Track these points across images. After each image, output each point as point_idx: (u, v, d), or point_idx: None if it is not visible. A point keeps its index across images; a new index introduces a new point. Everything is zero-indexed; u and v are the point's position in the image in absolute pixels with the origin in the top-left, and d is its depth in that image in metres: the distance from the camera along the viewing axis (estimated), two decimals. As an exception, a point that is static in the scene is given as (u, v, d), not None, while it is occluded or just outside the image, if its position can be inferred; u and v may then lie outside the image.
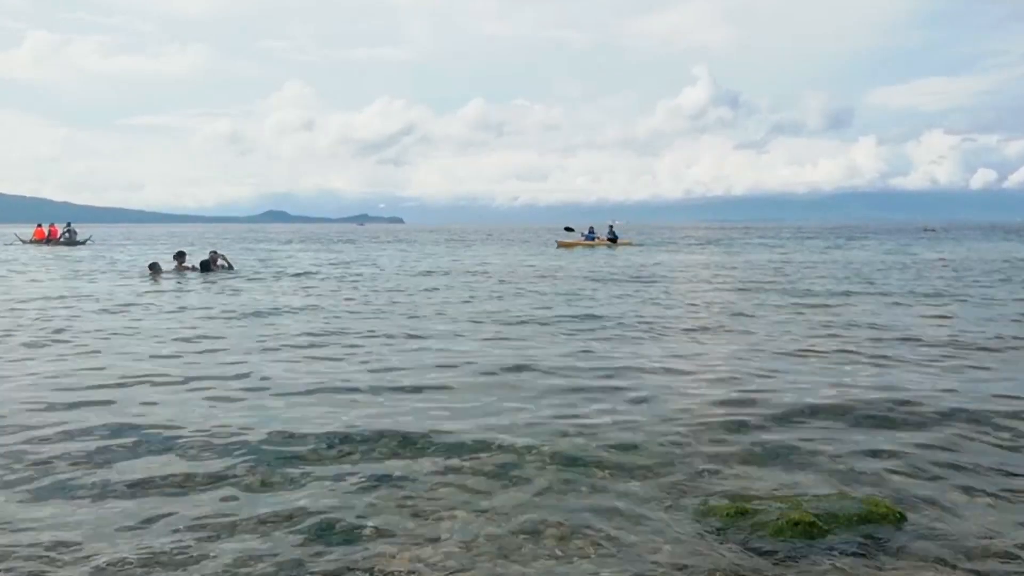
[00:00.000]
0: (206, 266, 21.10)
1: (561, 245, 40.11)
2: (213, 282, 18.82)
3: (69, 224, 46.40)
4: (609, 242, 39.88)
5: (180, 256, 21.79)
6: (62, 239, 44.52)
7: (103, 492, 4.49)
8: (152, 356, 8.83)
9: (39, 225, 46.92)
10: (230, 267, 22.32)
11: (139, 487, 4.57)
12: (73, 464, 4.95)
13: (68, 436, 5.55)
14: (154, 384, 7.30)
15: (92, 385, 7.22)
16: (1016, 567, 3.61)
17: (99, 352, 9.13)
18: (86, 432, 5.65)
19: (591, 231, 40.46)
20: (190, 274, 20.61)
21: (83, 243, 45.19)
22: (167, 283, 18.80)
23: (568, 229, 43.80)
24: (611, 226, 41.81)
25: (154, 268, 21.06)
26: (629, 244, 41.46)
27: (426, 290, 17.29)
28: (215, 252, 22.86)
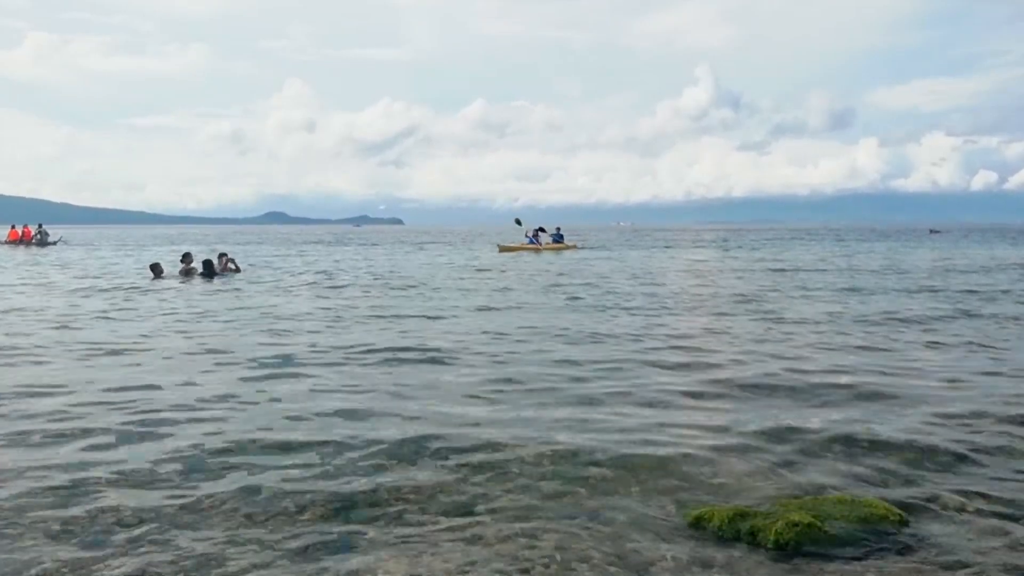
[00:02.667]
0: (209, 267, 20.60)
1: (503, 250, 37.70)
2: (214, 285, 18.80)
3: (41, 225, 48.01)
4: (555, 246, 38.00)
5: (187, 258, 21.49)
6: (34, 240, 45.45)
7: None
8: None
9: (12, 226, 48.66)
10: (237, 270, 22.19)
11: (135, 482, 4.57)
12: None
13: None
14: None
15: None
16: (1017, 569, 3.61)
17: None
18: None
19: (536, 235, 37.98)
20: (196, 277, 20.22)
21: (54, 244, 46.49)
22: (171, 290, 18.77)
23: (517, 222, 40.55)
24: (557, 228, 40.38)
25: (155, 269, 20.87)
26: (574, 247, 39.59)
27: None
28: (224, 254, 22.65)
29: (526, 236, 38.11)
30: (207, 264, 20.56)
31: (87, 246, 48.03)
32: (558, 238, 39.27)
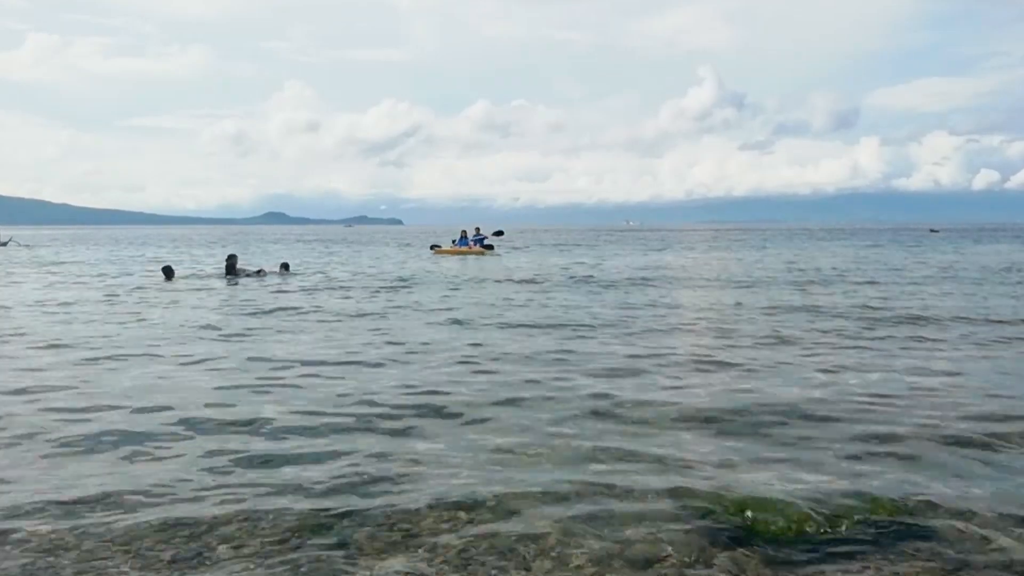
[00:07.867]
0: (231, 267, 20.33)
1: (438, 252, 35.44)
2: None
3: None
4: (482, 249, 34.69)
5: (232, 259, 20.56)
6: None
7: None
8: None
9: None
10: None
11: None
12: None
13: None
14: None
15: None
16: (1017, 568, 3.59)
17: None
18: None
19: (463, 237, 34.98)
20: (244, 279, 19.23)
21: (4, 244, 47.42)
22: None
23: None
24: (478, 229, 36.59)
25: (167, 272, 20.59)
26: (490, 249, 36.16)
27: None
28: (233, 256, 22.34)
29: (461, 239, 35.47)
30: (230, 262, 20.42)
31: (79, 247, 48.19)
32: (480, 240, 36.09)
